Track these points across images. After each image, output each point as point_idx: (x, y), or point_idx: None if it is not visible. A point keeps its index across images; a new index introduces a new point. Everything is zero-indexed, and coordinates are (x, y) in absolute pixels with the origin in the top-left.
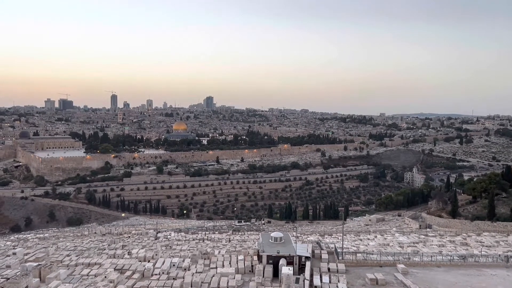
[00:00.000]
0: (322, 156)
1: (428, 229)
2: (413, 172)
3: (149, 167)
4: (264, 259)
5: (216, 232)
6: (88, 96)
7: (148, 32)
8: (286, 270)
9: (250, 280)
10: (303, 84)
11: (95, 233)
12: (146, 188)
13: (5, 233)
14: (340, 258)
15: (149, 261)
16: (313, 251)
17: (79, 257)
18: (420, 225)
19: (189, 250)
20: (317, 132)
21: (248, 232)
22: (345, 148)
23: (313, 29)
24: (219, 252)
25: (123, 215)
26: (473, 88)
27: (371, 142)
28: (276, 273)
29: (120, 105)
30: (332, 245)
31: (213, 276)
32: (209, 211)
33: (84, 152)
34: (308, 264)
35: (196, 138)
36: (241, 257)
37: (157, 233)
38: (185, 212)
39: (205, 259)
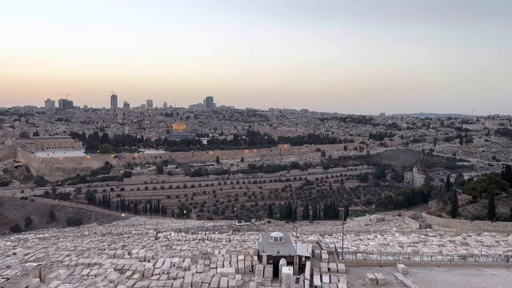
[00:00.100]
0: (322, 156)
1: (428, 229)
2: (413, 172)
3: (149, 167)
4: (264, 259)
5: (216, 232)
6: (88, 96)
7: (148, 32)
8: (286, 270)
9: (250, 280)
10: (303, 84)
11: (95, 233)
12: (146, 188)
13: (5, 233)
14: (340, 258)
15: (149, 261)
16: (313, 251)
17: (79, 257)
18: (420, 225)
19: (189, 250)
20: (317, 132)
21: (248, 232)
22: (345, 148)
23: (313, 29)
24: (219, 252)
25: (123, 215)
26: (473, 88)
27: (371, 142)
28: (276, 273)
29: (120, 105)
30: (332, 245)
31: (213, 276)
32: (209, 211)
33: (84, 152)
34: (308, 264)
35: (196, 138)
36: (241, 257)
37: (157, 233)
38: (185, 212)
39: (205, 259)
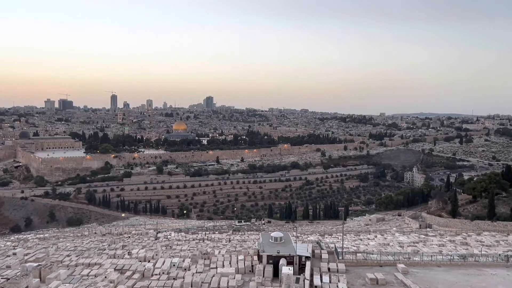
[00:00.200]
0: (322, 156)
1: (428, 229)
2: (413, 172)
3: (149, 167)
4: (264, 259)
5: (216, 232)
6: (88, 96)
7: (148, 32)
8: (286, 270)
9: (250, 280)
10: (303, 84)
11: (95, 233)
12: (146, 188)
13: (5, 234)
14: (340, 258)
15: (149, 261)
16: (313, 251)
17: (79, 257)
18: (420, 225)
19: (189, 250)
20: (317, 132)
21: (248, 232)
22: (345, 148)
23: (313, 29)
24: (219, 252)
25: (123, 215)
26: (473, 88)
27: (371, 142)
28: (276, 273)
29: (120, 105)
30: (332, 245)
31: (213, 276)
32: (209, 211)
33: (84, 152)
34: (308, 264)
35: (196, 138)
36: (241, 257)
37: (157, 233)
38: (185, 212)
39: (205, 259)
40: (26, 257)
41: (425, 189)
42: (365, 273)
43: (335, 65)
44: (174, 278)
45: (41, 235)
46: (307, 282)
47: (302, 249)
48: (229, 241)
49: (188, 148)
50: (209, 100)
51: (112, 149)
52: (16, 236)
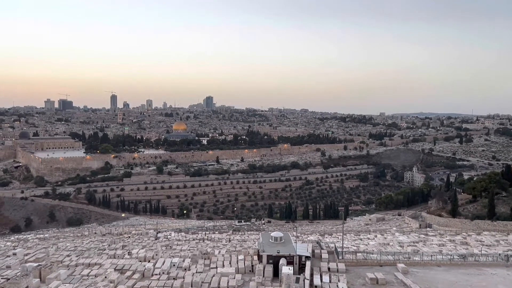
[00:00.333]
0: (322, 156)
1: (428, 229)
2: (413, 172)
3: (149, 167)
4: (264, 259)
5: (216, 232)
6: (88, 96)
7: (148, 32)
8: (286, 269)
9: (250, 280)
10: (303, 84)
11: (95, 233)
12: (146, 188)
13: (5, 234)
14: (340, 257)
15: (149, 261)
16: (313, 251)
17: (79, 257)
18: (420, 225)
19: (189, 250)
20: (317, 131)
21: (248, 232)
22: (345, 148)
23: (313, 29)
24: (219, 252)
25: (123, 215)
26: (473, 87)
27: (371, 141)
28: (276, 272)
29: (120, 105)
30: (332, 245)
31: (213, 276)
32: (209, 211)
33: (84, 153)
34: (308, 263)
35: (196, 138)
36: (241, 257)
37: (157, 233)
38: (185, 212)
39: (205, 259)
40: (26, 257)
41: (425, 188)
42: (365, 273)
43: (335, 65)
44: (174, 278)
45: (41, 235)
46: (307, 282)
47: (302, 249)
48: (229, 241)
49: (188, 148)
50: (209, 100)
51: (112, 149)
52: (16, 236)
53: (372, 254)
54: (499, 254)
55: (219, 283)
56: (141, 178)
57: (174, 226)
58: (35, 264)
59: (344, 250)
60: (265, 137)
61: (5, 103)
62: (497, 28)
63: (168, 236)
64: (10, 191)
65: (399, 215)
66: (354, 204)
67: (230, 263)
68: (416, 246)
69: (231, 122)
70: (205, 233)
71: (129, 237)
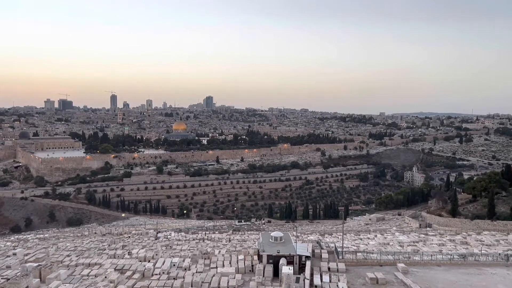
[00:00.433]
0: (322, 156)
1: (428, 228)
2: (413, 171)
3: (149, 167)
4: (264, 259)
5: (216, 232)
6: (88, 96)
7: (148, 32)
8: (286, 269)
9: (250, 279)
10: (302, 84)
11: (95, 233)
12: (146, 188)
13: (5, 234)
14: (340, 257)
15: (149, 261)
16: (313, 251)
17: (79, 257)
18: (420, 224)
19: (189, 250)
20: (317, 131)
21: (248, 232)
22: (345, 148)
23: (313, 29)
24: (219, 252)
25: (123, 215)
26: (473, 87)
27: (371, 141)
28: (276, 272)
29: (119, 105)
30: (332, 245)
31: (214, 276)
32: (209, 211)
33: (84, 152)
34: (308, 263)
35: (196, 138)
36: (241, 256)
37: (157, 233)
38: (185, 212)
39: (205, 259)
40: (26, 257)
41: (425, 188)
42: (365, 273)
43: (335, 65)
44: (174, 278)
45: (41, 235)
46: (307, 282)
47: (302, 249)
48: (229, 241)
49: (188, 148)
50: (209, 100)
51: (112, 149)
52: (16, 236)
53: (372, 254)
54: (499, 254)
55: (219, 283)
56: (141, 178)
57: (174, 226)
58: (35, 264)
59: (344, 250)
60: (265, 137)
61: (5, 103)
62: (497, 28)
63: (168, 236)
64: (10, 191)
65: (399, 215)
66: (354, 204)
67: (230, 263)
68: (416, 246)
69: (231, 122)
70: (205, 233)
71: (129, 237)
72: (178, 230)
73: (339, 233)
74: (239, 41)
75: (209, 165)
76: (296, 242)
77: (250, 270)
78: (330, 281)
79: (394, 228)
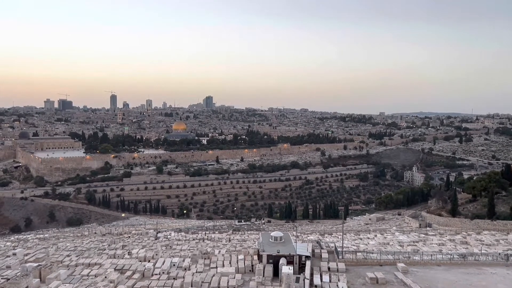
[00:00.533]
0: (322, 156)
1: (428, 228)
2: (413, 171)
3: (149, 167)
4: (264, 259)
5: (216, 232)
6: (88, 96)
7: (148, 32)
8: (286, 269)
9: (250, 279)
10: (302, 84)
11: (95, 233)
12: (146, 188)
13: (5, 234)
14: (340, 257)
15: (149, 261)
16: (313, 250)
17: (79, 257)
18: (420, 224)
19: (189, 250)
20: (317, 131)
21: (248, 232)
22: (345, 147)
23: (313, 29)
24: (219, 251)
25: (123, 215)
26: (472, 87)
27: (371, 141)
28: (276, 272)
29: (119, 105)
30: (332, 244)
31: (214, 275)
32: (209, 211)
33: (83, 152)
34: (308, 263)
35: (196, 138)
36: (241, 256)
37: (157, 233)
38: (185, 212)
39: (205, 258)
40: (26, 257)
41: (425, 188)
42: (365, 272)
43: (335, 65)
44: (174, 278)
45: (41, 235)
46: (307, 282)
47: (302, 249)
48: (229, 240)
49: (187, 148)
50: (208, 100)
51: (111, 149)
52: (16, 236)
53: (372, 253)
54: (499, 254)
55: (219, 283)
56: (141, 178)
57: (174, 226)
58: (35, 264)
59: (344, 249)
60: (265, 136)
61: (5, 103)
62: (497, 28)
63: (168, 236)
64: (10, 191)
65: (399, 214)
66: (354, 203)
67: (230, 262)
68: (416, 245)
69: (231, 122)
70: (205, 233)
71: (129, 237)
72: (178, 230)
73: (339, 233)
74: (239, 41)
75: (209, 165)
76: (296, 242)
77: (250, 270)
78: (330, 281)
79: (394, 228)
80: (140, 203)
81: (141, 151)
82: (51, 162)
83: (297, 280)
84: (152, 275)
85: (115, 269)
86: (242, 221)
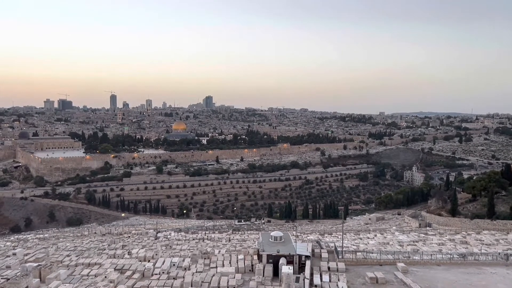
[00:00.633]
0: (322, 155)
1: (428, 228)
2: (412, 171)
3: (148, 167)
4: (264, 258)
5: (216, 232)
6: (88, 96)
7: (148, 32)
8: (286, 269)
9: (250, 279)
10: (302, 84)
11: (95, 233)
12: (146, 188)
13: (5, 234)
14: (340, 257)
15: (149, 261)
16: (313, 250)
17: (79, 257)
18: (420, 224)
19: (189, 249)
20: (317, 131)
21: (248, 232)
22: (345, 147)
23: (313, 29)
24: (219, 251)
25: (123, 215)
26: (472, 87)
27: (371, 141)
28: (276, 272)
29: (119, 105)
30: (332, 244)
31: (213, 275)
32: (209, 211)
33: (83, 152)
34: (308, 263)
35: (196, 137)
36: (241, 256)
37: (157, 233)
38: (185, 211)
39: (205, 258)
40: (26, 257)
41: (425, 188)
42: (365, 272)
43: (334, 65)
44: (174, 278)
45: (41, 235)
46: (307, 281)
47: (302, 248)
48: (229, 240)
49: (187, 147)
50: (208, 99)
51: (111, 149)
52: (16, 236)
53: (372, 253)
54: (499, 253)
55: (219, 283)
56: (141, 178)
57: (174, 225)
58: (35, 264)
59: (344, 249)
60: (265, 136)
61: (5, 103)
62: (497, 28)
63: (168, 236)
64: (10, 191)
65: (399, 214)
66: (354, 203)
67: (230, 262)
68: (416, 245)
69: (231, 122)
70: (205, 233)
71: (129, 237)
72: (178, 230)
73: (338, 233)
74: (239, 41)
75: (208, 165)
76: (296, 242)
77: (250, 270)
78: (330, 281)
79: (394, 227)
80: (140, 203)
81: (141, 151)
82: (51, 162)
83: (297, 280)
84: (152, 275)
85: (115, 269)
86: (242, 221)
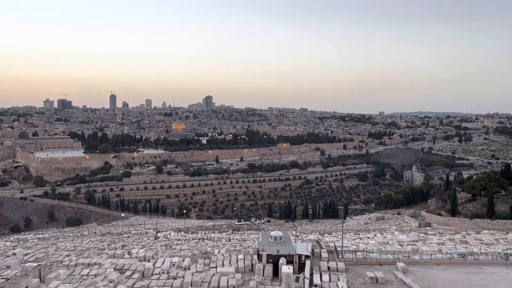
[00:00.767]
0: (322, 155)
1: (427, 228)
2: (412, 171)
3: (148, 167)
4: (264, 258)
5: (216, 232)
6: (87, 96)
7: (148, 32)
8: (286, 269)
9: (250, 279)
10: (302, 83)
11: (95, 233)
12: (145, 188)
13: (5, 234)
14: (340, 256)
15: (149, 261)
16: (312, 250)
17: (79, 257)
18: (419, 224)
19: (189, 249)
20: (317, 131)
21: (248, 231)
22: (345, 147)
23: (313, 29)
24: (219, 251)
25: (122, 215)
26: (472, 86)
27: (371, 140)
28: (276, 272)
29: (119, 105)
30: (332, 244)
31: (213, 275)
32: (209, 211)
33: (83, 152)
34: (308, 263)
35: (196, 137)
36: (241, 256)
37: (156, 233)
38: (184, 211)
39: (205, 258)
40: (25, 257)
41: (425, 187)
42: (364, 272)
43: (334, 65)
44: (174, 278)
45: (41, 235)
46: (306, 281)
47: (302, 248)
48: (229, 240)
49: (187, 147)
50: (208, 99)
51: (111, 149)
52: (16, 236)
53: (372, 253)
54: (499, 253)
55: (219, 283)
56: (141, 178)
57: (173, 225)
58: (35, 264)
59: (344, 249)
60: (265, 136)
61: (5, 103)
62: (497, 28)
63: (168, 236)
64: (10, 191)
65: (399, 214)
66: (354, 203)
67: (230, 262)
68: (415, 245)
69: (231, 122)
70: (205, 233)
71: (129, 236)
72: (178, 229)
73: (338, 233)
74: (239, 41)
75: (208, 164)
76: (295, 242)
77: (249, 270)
78: (329, 281)
79: (394, 227)
80: (140, 203)
81: (140, 151)
82: (50, 162)
83: (297, 279)
84: (152, 274)
85: (115, 269)
86: (242, 220)
